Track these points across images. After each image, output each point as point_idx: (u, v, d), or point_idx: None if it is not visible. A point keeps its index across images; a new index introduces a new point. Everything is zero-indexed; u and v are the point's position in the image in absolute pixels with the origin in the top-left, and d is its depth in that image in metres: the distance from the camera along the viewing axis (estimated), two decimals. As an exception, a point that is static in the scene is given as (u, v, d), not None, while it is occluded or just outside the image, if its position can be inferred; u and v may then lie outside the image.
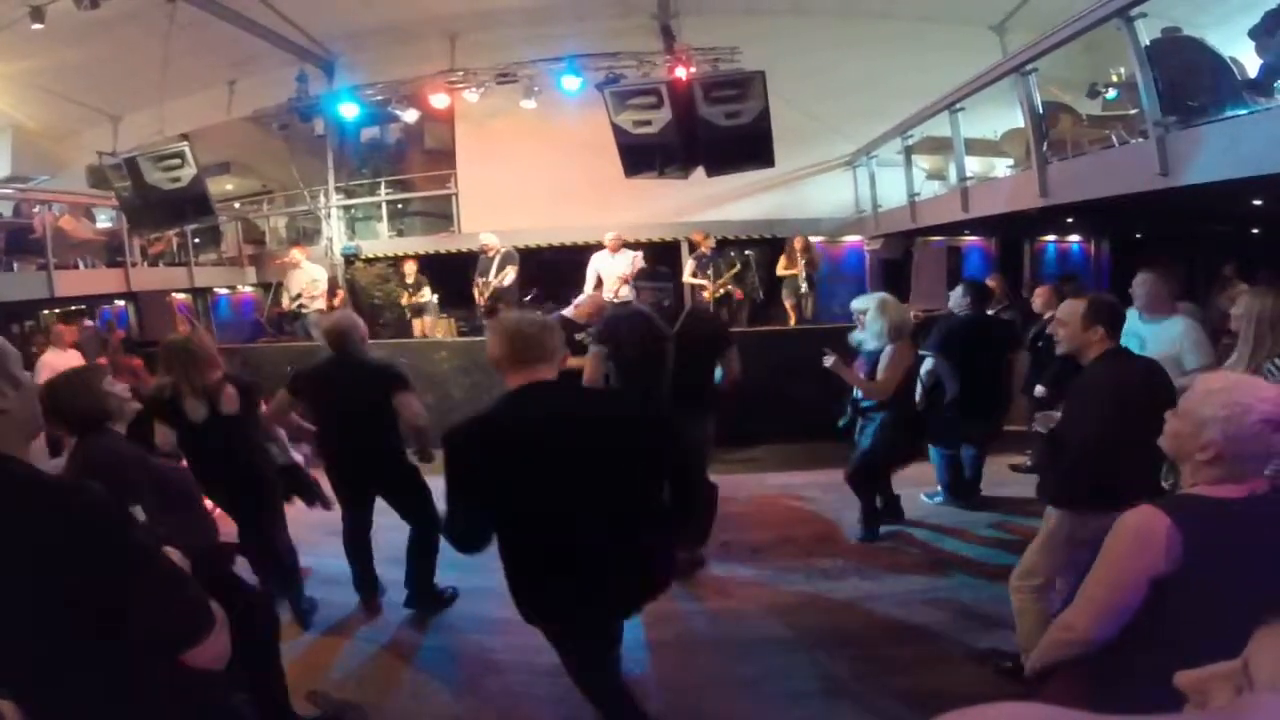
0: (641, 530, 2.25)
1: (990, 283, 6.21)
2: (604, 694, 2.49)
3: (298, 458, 4.35)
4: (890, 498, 4.81)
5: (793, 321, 9.27)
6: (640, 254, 8.70)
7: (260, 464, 3.72)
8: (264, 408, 3.88)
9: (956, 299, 5.02)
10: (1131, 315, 3.79)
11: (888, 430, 4.37)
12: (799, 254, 9.16)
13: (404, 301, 9.92)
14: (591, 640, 2.39)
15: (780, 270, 9.37)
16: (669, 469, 2.29)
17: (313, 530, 4.80)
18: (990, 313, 5.41)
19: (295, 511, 4.81)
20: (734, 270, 9.00)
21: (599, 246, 8.85)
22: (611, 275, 8.50)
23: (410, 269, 9.96)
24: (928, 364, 4.77)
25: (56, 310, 11.25)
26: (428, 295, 9.87)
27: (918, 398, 4.72)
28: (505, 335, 2.22)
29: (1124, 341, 3.12)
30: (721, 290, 8.93)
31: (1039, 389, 5.15)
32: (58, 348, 6.41)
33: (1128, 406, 2.57)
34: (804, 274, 9.12)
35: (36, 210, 8.80)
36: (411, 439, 3.92)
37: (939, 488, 5.15)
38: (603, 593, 2.24)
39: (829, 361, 4.26)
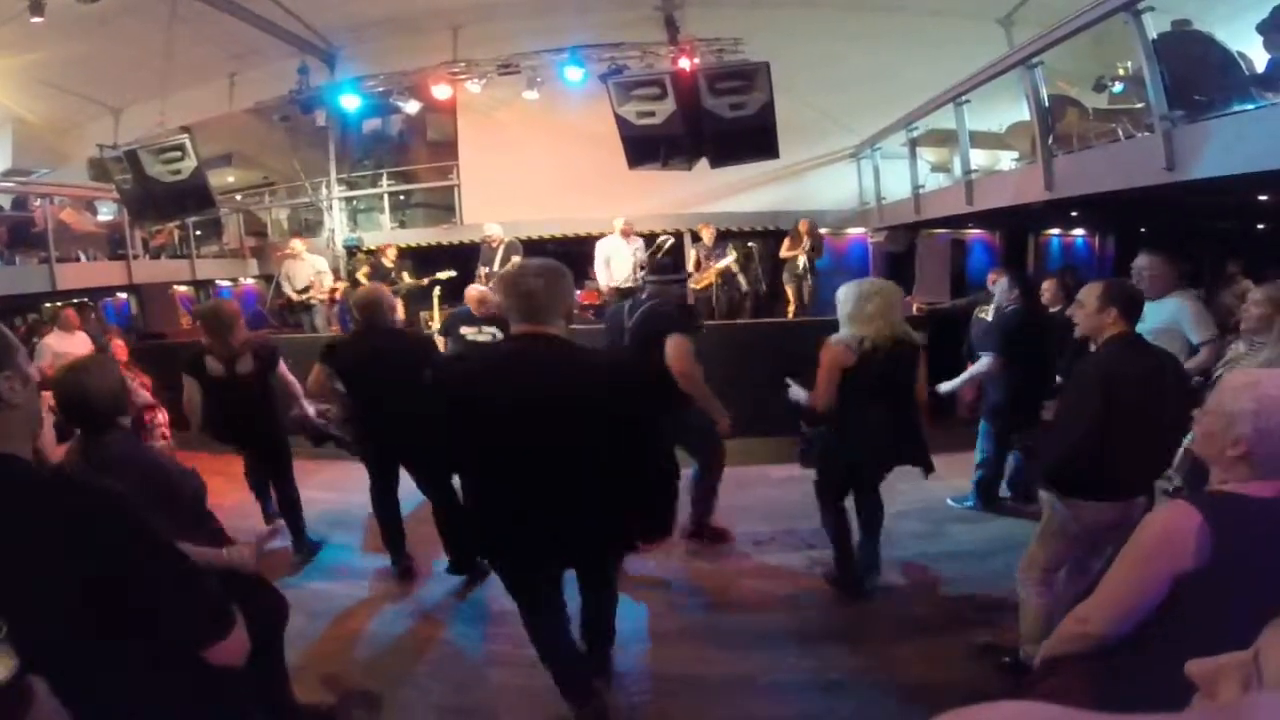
0: (588, 489, 2.31)
1: (993, 277, 6.18)
2: (542, 640, 2.68)
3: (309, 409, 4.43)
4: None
5: (792, 305, 9.26)
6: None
7: (270, 418, 4.32)
8: (283, 368, 4.43)
9: (1003, 292, 4.77)
10: None
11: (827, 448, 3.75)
12: (803, 236, 9.14)
13: (361, 275, 9.42)
14: (524, 580, 2.56)
15: (783, 253, 9.34)
16: (630, 441, 2.33)
17: (317, 521, 4.83)
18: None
19: (301, 501, 4.84)
20: (731, 258, 8.88)
21: (602, 237, 8.86)
22: (622, 261, 8.52)
23: (391, 254, 9.72)
24: (979, 365, 4.57)
25: (59, 304, 11.28)
26: (406, 281, 9.45)
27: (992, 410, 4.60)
28: (508, 288, 2.31)
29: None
30: (706, 281, 8.85)
31: (1059, 379, 5.10)
32: (64, 331, 6.36)
33: (1125, 396, 2.54)
34: (805, 257, 9.10)
35: (38, 204, 8.80)
36: None
37: (969, 491, 4.94)
38: (534, 539, 2.36)
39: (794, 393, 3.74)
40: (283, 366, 4.46)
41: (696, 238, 9.26)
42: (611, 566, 2.84)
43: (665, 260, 4.60)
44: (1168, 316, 3.77)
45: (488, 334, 5.01)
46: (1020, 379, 4.53)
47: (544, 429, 2.21)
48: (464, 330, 5.08)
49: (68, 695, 1.39)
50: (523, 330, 2.29)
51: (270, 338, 4.41)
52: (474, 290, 5.32)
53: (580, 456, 2.27)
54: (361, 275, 9.40)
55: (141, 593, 1.33)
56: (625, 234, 8.72)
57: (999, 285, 4.91)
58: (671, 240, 8.63)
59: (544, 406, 2.20)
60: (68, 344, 6.18)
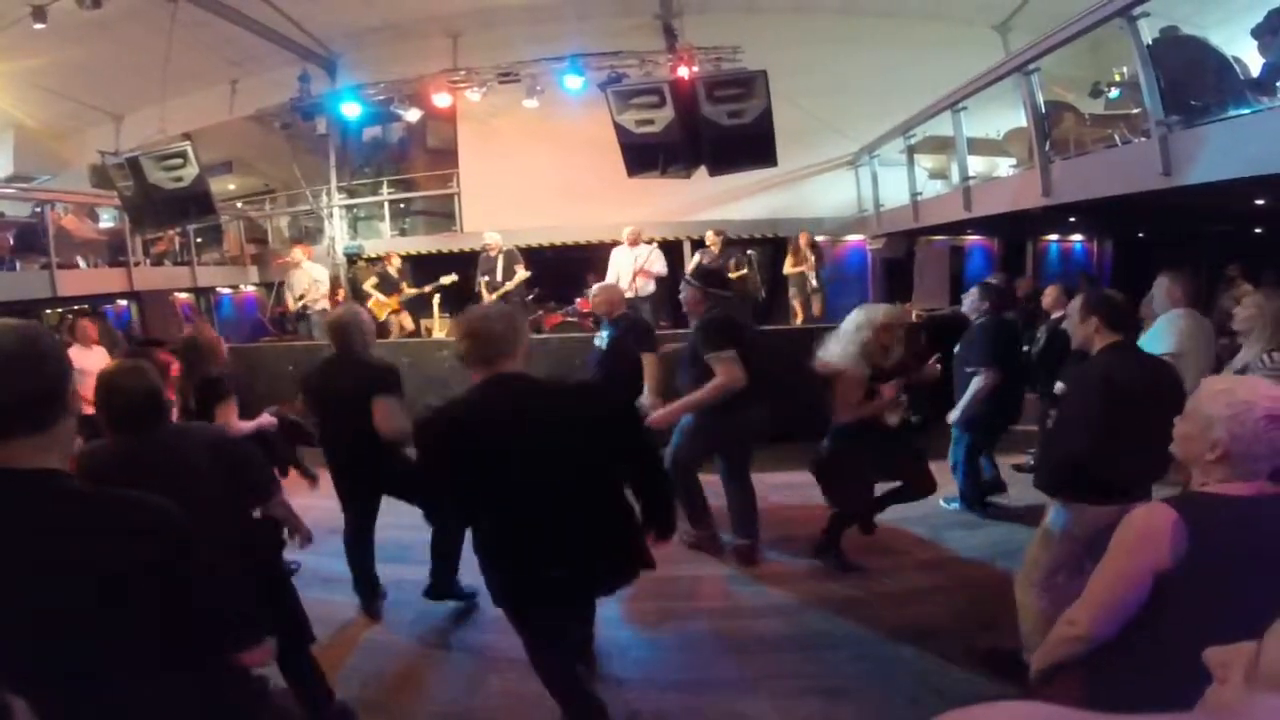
0: (599, 521, 2.36)
1: (991, 282, 6.21)
2: (558, 683, 2.61)
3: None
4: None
5: (799, 320, 9.24)
6: (655, 246, 8.82)
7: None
8: (229, 405, 3.86)
9: (972, 303, 4.94)
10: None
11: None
12: (805, 251, 9.15)
13: (369, 285, 9.37)
14: (544, 624, 2.49)
15: (787, 269, 9.36)
16: (629, 460, 2.44)
17: (315, 529, 4.80)
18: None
19: (299, 510, 4.80)
20: (741, 271, 8.88)
21: (601, 245, 8.91)
22: (627, 269, 8.54)
23: (396, 262, 9.69)
24: (977, 382, 4.60)
25: (60, 310, 11.28)
26: (409, 290, 9.38)
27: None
28: (469, 333, 2.35)
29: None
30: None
31: (1059, 386, 5.12)
32: (82, 345, 6.33)
33: (1121, 401, 2.59)
34: (813, 271, 9.11)
35: (38, 210, 8.82)
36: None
37: (957, 495, 5.07)
38: (555, 578, 2.34)
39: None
40: (228, 407, 3.86)
41: (701, 245, 9.23)
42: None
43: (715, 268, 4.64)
44: (1154, 333, 3.79)
45: (601, 338, 5.03)
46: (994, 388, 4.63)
47: (550, 464, 2.25)
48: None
49: (61, 714, 1.38)
50: (493, 373, 2.32)
51: (226, 374, 4.12)
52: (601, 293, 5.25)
53: (586, 483, 2.33)
54: (370, 286, 9.41)
55: (185, 600, 1.34)
56: (632, 242, 8.74)
57: (969, 296, 5.04)
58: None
59: (543, 443, 2.25)
60: (86, 359, 5.96)
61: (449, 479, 2.30)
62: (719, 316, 4.15)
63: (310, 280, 9.36)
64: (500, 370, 2.32)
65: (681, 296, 4.37)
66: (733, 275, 8.75)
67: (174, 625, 1.33)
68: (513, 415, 2.27)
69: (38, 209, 8.81)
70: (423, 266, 10.18)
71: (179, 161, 8.05)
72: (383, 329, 8.68)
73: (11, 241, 8.63)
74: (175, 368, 4.41)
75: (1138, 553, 1.59)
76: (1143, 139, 4.82)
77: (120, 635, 1.29)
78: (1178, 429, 1.72)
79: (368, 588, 3.95)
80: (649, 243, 8.91)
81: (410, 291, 9.36)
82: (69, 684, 1.32)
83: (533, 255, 9.41)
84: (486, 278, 8.79)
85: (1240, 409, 1.55)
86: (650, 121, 7.29)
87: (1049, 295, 5.78)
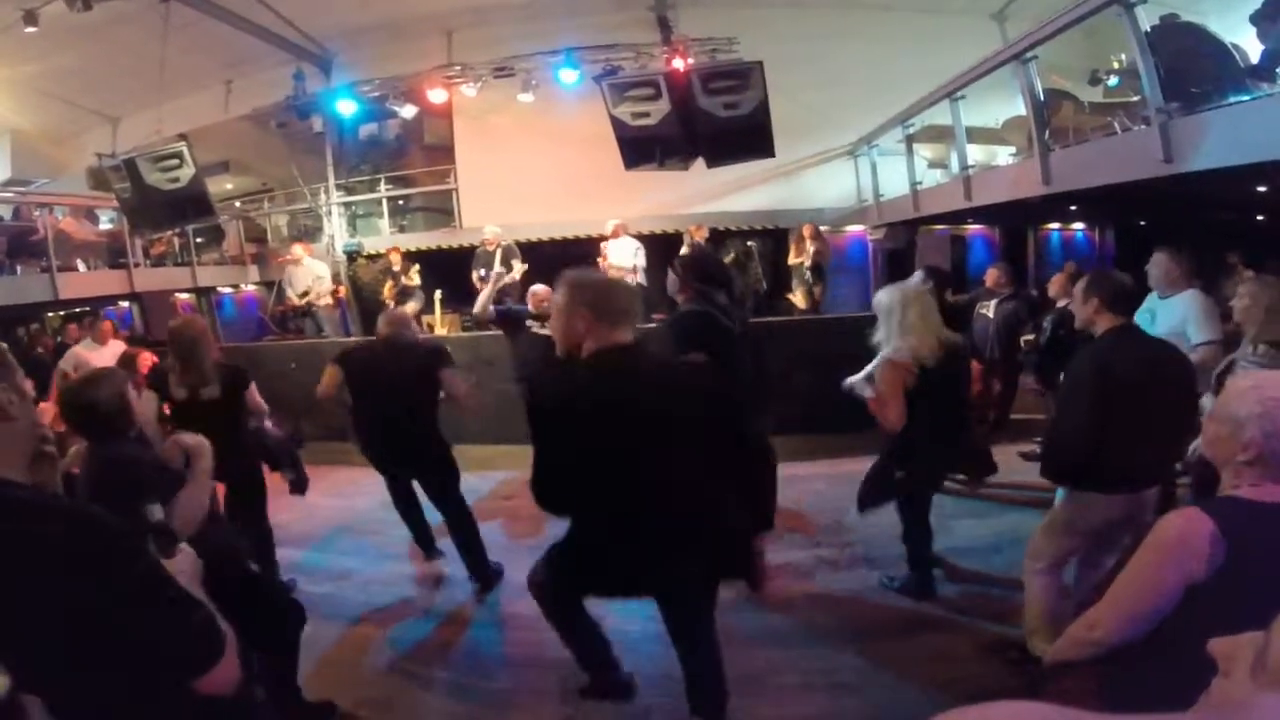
0: (708, 505, 2.24)
1: (993, 272, 6.21)
2: (691, 656, 2.61)
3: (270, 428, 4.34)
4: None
5: (801, 305, 9.25)
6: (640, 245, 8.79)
7: (240, 448, 3.77)
8: (252, 392, 4.00)
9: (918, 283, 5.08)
10: (1152, 295, 3.84)
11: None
12: (807, 241, 9.14)
13: (386, 295, 9.32)
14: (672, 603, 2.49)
15: (790, 259, 9.37)
16: (734, 444, 2.29)
17: (323, 527, 4.84)
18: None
19: (307, 508, 4.83)
20: (730, 257, 8.91)
21: (601, 239, 8.88)
22: (622, 260, 8.55)
23: (395, 258, 9.69)
24: None
25: (61, 313, 11.30)
26: (415, 280, 9.44)
27: None
28: (587, 296, 2.21)
29: (1137, 317, 3.07)
30: None
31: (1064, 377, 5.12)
32: (97, 343, 6.39)
33: (1119, 387, 2.54)
34: (809, 262, 9.10)
35: (37, 214, 8.82)
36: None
37: None
38: (663, 563, 2.26)
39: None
40: (253, 389, 4.02)
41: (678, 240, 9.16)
42: (710, 604, 2.59)
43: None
44: (1178, 315, 3.70)
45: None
46: None
47: (662, 438, 2.16)
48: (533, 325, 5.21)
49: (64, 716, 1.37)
50: (613, 343, 2.21)
51: (236, 363, 4.19)
52: (540, 289, 5.41)
53: (697, 460, 2.22)
54: (388, 292, 9.38)
55: (130, 618, 1.30)
56: (615, 235, 8.76)
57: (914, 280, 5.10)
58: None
59: (659, 417, 2.16)
60: (98, 357, 6.09)
61: (558, 449, 2.16)
62: (691, 313, 3.53)
63: (313, 276, 9.38)
64: (621, 340, 2.21)
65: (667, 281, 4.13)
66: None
67: (119, 638, 1.30)
68: (620, 391, 2.16)
69: (37, 213, 8.82)
70: (423, 262, 10.16)
71: (175, 162, 8.04)
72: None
73: (6, 244, 8.65)
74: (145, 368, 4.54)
75: (1170, 564, 1.51)
76: (1142, 126, 4.80)
77: (67, 644, 1.27)
78: (1206, 431, 1.64)
79: (426, 535, 4.35)
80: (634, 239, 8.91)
81: (405, 283, 9.35)
82: (52, 686, 1.32)
83: (532, 249, 9.38)
84: (483, 271, 8.75)
85: (1272, 405, 1.47)
86: (646, 114, 7.27)
87: (1055, 284, 5.79)
